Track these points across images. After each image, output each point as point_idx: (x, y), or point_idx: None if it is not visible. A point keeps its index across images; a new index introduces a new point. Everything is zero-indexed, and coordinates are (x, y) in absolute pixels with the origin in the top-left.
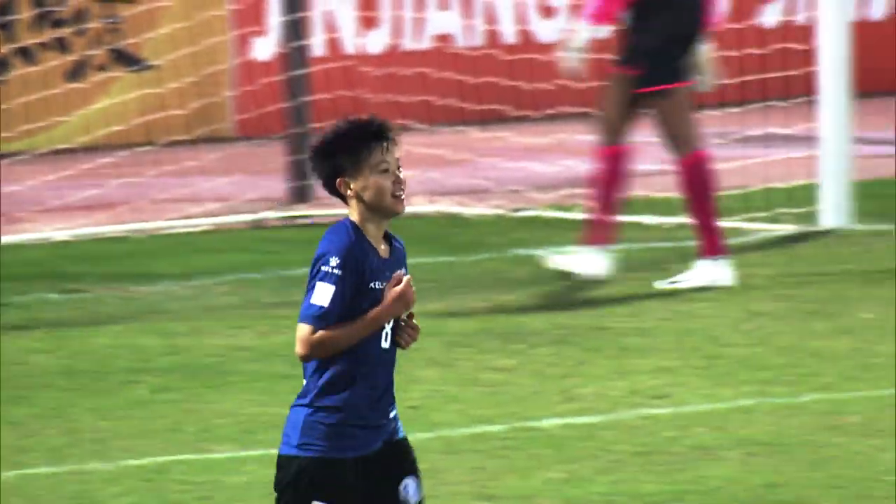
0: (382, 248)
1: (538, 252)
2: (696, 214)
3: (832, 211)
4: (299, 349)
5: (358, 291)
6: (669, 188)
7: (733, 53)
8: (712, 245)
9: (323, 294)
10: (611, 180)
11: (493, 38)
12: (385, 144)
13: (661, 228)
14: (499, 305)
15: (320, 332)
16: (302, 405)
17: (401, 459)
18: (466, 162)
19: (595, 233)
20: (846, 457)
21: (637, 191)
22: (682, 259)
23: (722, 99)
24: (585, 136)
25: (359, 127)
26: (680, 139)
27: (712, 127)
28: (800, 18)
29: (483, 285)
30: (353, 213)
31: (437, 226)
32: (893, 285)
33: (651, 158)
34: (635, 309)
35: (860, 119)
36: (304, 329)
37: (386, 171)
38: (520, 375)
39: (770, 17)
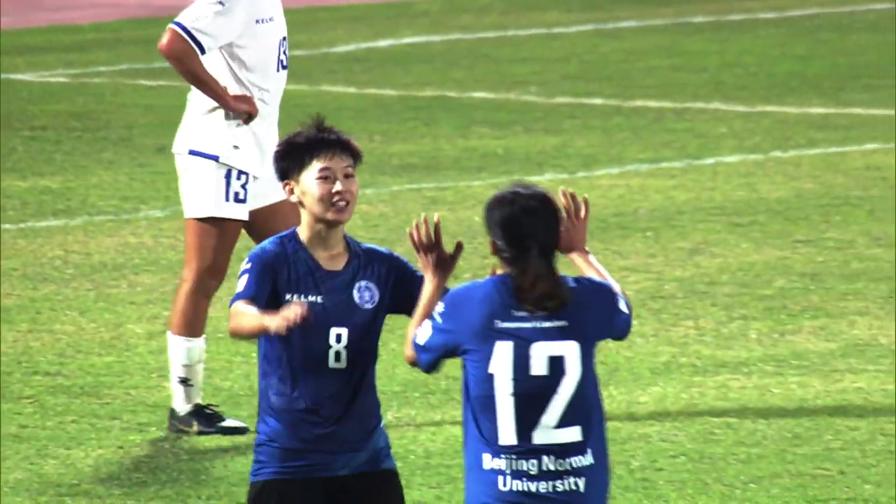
0: (330, 259)
1: None
2: None
3: None
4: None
5: (272, 299)
6: None
7: None
8: None
9: (241, 283)
10: None
11: None
12: (331, 152)
13: None
14: None
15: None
16: (257, 431)
17: (386, 492)
18: None
19: None
20: None
21: None
22: None
23: None
24: None
25: (309, 133)
26: None
27: None
28: None
29: None
30: (301, 220)
31: None
32: None
33: None
34: None
35: None
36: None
37: (326, 178)
38: None
39: None
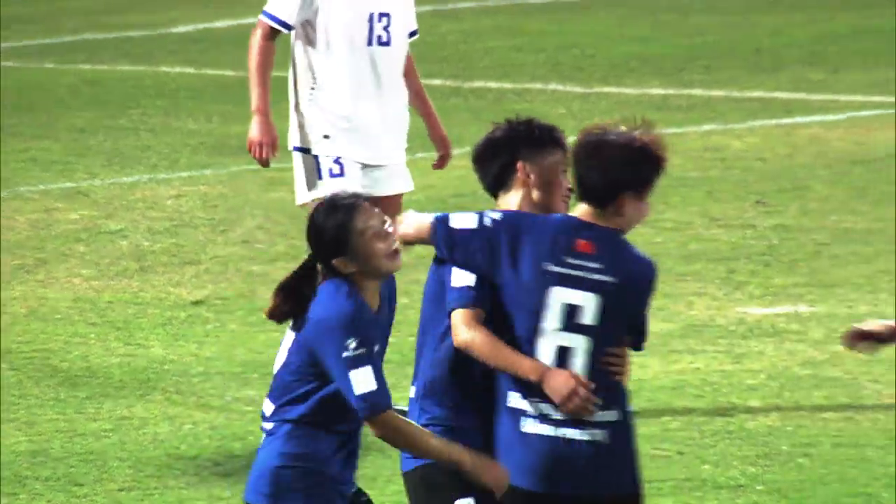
0: None
1: None
2: None
3: None
4: None
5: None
6: None
7: None
8: None
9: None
10: None
11: None
12: (566, 159)
13: None
14: None
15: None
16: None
17: None
18: None
19: None
20: None
21: None
22: None
23: None
24: None
25: (555, 132)
26: None
27: None
28: None
29: None
30: (505, 203)
31: None
32: None
33: None
34: None
35: None
36: None
37: (565, 172)
38: None
39: None
